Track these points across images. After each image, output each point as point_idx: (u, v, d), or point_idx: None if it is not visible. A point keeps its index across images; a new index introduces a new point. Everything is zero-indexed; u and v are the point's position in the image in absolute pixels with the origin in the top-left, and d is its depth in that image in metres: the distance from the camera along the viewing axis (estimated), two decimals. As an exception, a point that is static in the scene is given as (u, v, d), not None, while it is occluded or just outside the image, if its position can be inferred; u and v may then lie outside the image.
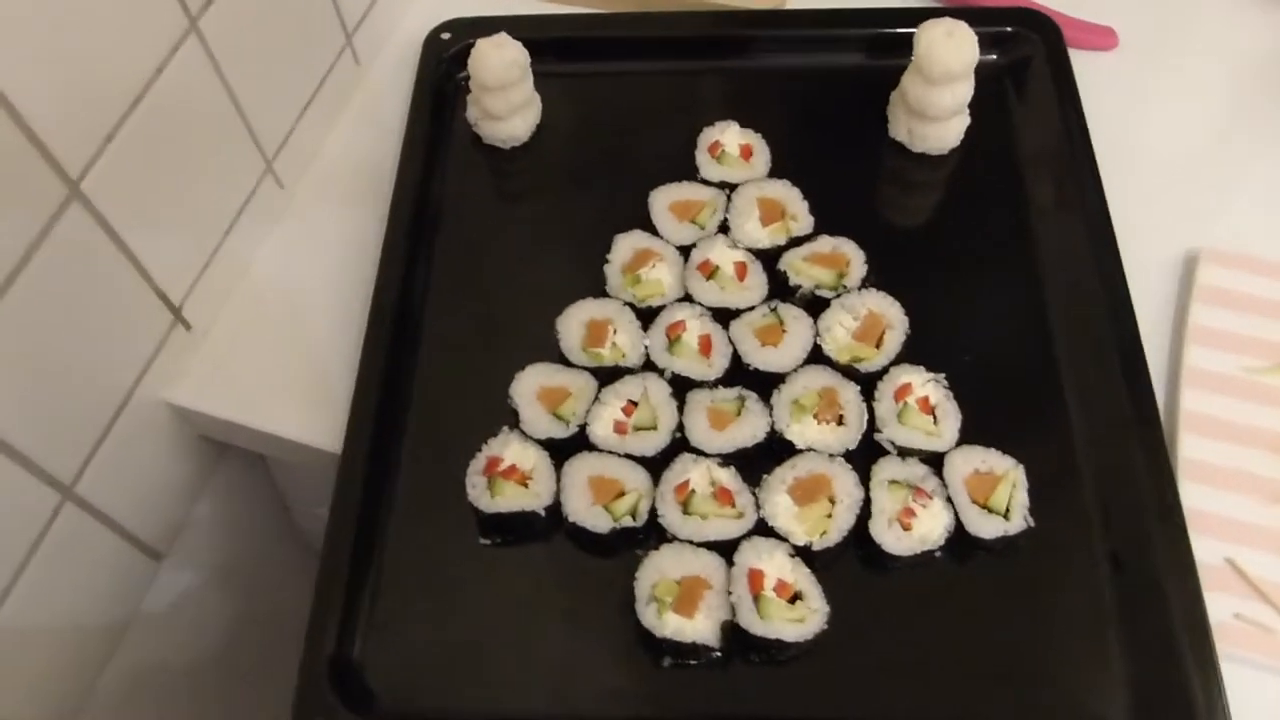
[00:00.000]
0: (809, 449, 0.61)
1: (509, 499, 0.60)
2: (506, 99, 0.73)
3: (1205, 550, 0.57)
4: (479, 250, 0.72)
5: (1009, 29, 0.77)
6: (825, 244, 0.69)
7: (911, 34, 0.70)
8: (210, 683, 0.77)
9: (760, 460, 0.61)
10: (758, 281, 0.68)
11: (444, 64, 0.79)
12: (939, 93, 0.69)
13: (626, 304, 0.67)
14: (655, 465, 0.61)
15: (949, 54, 0.67)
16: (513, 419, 0.63)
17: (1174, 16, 0.83)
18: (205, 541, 0.75)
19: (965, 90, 0.70)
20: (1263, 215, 0.72)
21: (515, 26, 0.75)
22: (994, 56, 0.77)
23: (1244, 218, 0.72)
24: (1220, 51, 0.81)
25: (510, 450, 0.61)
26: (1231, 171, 0.75)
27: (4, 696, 0.59)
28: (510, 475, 0.61)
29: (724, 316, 0.66)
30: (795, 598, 0.57)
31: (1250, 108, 0.78)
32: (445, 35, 0.80)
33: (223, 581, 0.78)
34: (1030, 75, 0.77)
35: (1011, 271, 0.69)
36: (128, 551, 0.68)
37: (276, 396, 0.68)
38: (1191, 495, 0.59)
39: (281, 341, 0.71)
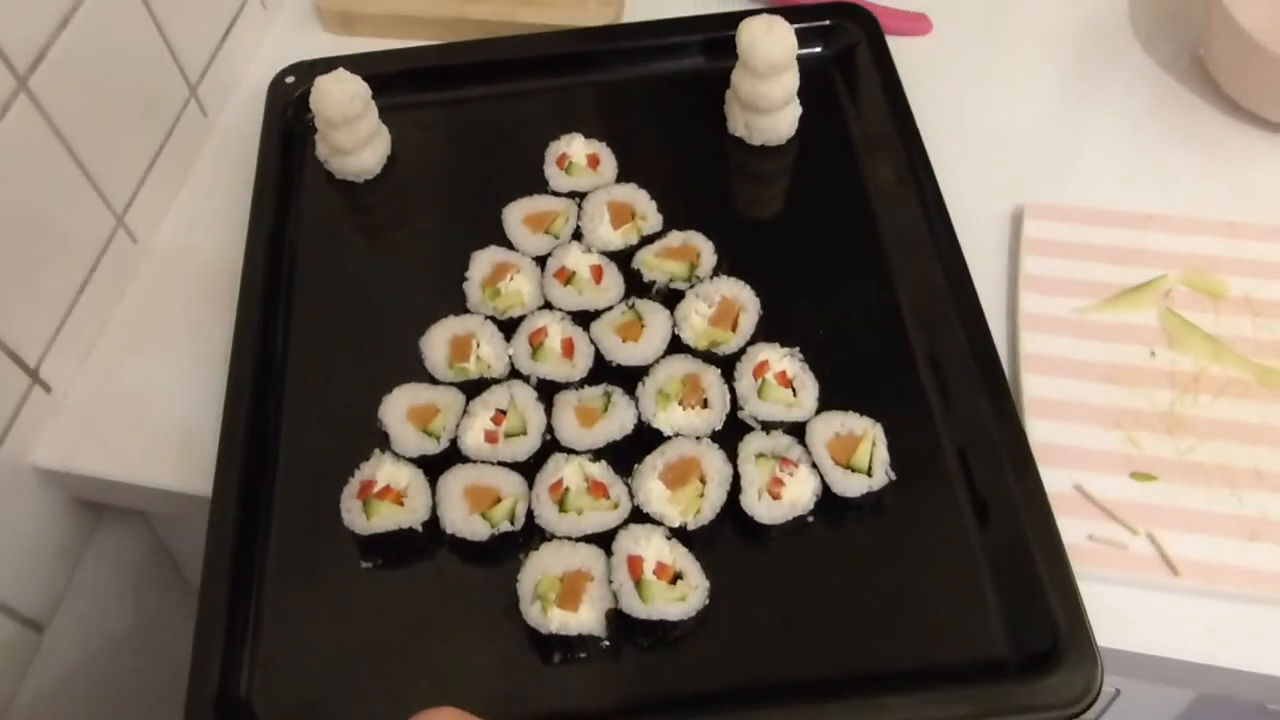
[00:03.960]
0: (677, 434, 0.63)
1: (384, 518, 0.60)
2: (352, 132, 0.74)
3: (1055, 480, 0.60)
4: (339, 283, 0.73)
5: (829, 22, 0.81)
6: (675, 239, 0.71)
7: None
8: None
9: (631, 451, 0.62)
10: (614, 282, 0.69)
11: (290, 107, 0.80)
12: (767, 85, 0.73)
13: (488, 317, 0.68)
14: (529, 469, 0.62)
15: (769, 46, 0.71)
16: (384, 442, 0.64)
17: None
18: (91, 609, 0.73)
19: (791, 80, 0.73)
20: (1081, 168, 0.77)
21: (356, 64, 0.76)
22: (819, 49, 0.81)
23: (1065, 172, 0.77)
24: (1026, 26, 0.87)
25: (383, 471, 0.62)
26: (1049, 132, 0.80)
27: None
28: (385, 496, 0.61)
29: (584, 319, 0.68)
30: (676, 578, 0.58)
31: (1058, 73, 0.84)
32: (289, 79, 0.81)
33: (114, 648, 0.76)
34: (854, 64, 0.81)
35: (854, 247, 0.72)
36: (4, 623, 0.66)
37: (146, 449, 0.67)
38: (1038, 430, 0.62)
39: (146, 395, 0.70)
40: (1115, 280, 0.69)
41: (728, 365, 0.65)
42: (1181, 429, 0.62)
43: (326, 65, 0.77)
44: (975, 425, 0.62)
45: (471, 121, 0.81)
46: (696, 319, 0.67)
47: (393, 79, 0.79)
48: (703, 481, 0.61)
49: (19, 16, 0.61)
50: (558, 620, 0.56)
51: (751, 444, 0.62)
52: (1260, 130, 0.78)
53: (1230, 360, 0.65)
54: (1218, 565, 0.58)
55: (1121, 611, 0.57)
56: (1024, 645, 0.55)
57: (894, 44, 0.80)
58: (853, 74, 0.80)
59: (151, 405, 0.70)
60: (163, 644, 0.80)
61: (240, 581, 0.59)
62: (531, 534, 0.60)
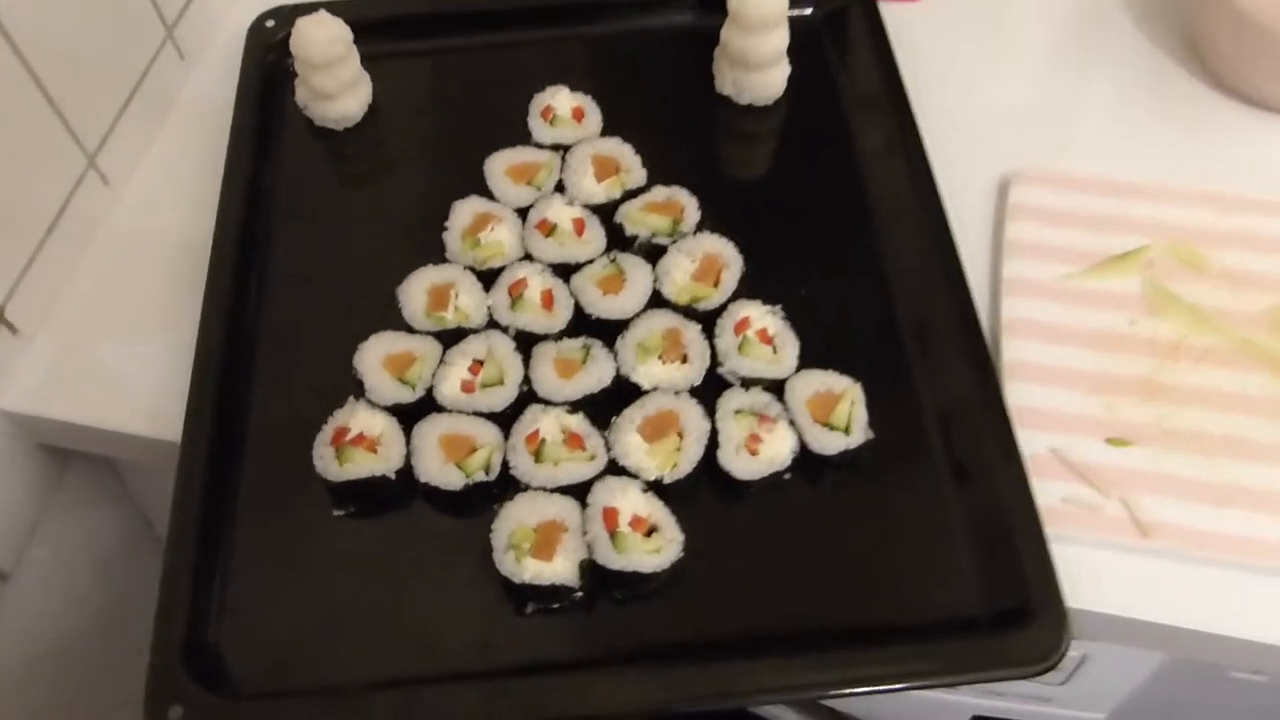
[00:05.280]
0: (656, 388, 0.62)
1: (357, 465, 0.59)
2: (334, 76, 0.73)
3: (1032, 442, 0.60)
4: (317, 231, 0.72)
5: (821, -17, 0.81)
6: (660, 194, 0.70)
7: (727, -7, 0.73)
8: (66, 702, 0.73)
9: (609, 404, 0.62)
10: (596, 235, 0.69)
11: (270, 51, 0.78)
12: (757, 40, 0.72)
13: (468, 268, 0.67)
14: (505, 420, 0.61)
15: (761, 0, 0.70)
16: (359, 389, 0.63)
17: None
18: (57, 558, 0.72)
19: (781, 37, 0.73)
20: (1068, 138, 0.77)
21: (339, 9, 0.75)
22: (809, 11, 0.80)
23: (1052, 142, 0.77)
24: (1021, -2, 0.87)
25: (357, 419, 0.61)
26: (1037, 102, 0.80)
27: None
28: (358, 443, 0.60)
29: (565, 271, 0.67)
30: (651, 531, 0.57)
31: (1049, 44, 0.84)
32: (270, 23, 0.79)
33: (80, 598, 0.75)
34: (845, 28, 0.80)
35: (840, 209, 0.71)
36: (-36, 569, 0.65)
37: (115, 394, 0.66)
38: (1017, 393, 0.62)
39: (117, 340, 0.69)
40: (1099, 248, 0.69)
41: (709, 321, 0.65)
42: (1159, 396, 0.63)
43: (308, 9, 0.75)
44: (955, 387, 0.62)
45: (456, 71, 0.80)
46: (679, 274, 0.66)
47: (376, 26, 0.78)
48: (680, 436, 0.60)
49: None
50: (532, 570, 0.56)
51: (731, 400, 0.61)
52: (1246, 107, 0.78)
53: (1209, 330, 0.65)
54: (1189, 529, 0.58)
55: (1093, 573, 0.57)
56: (996, 603, 0.55)
57: (884, 9, 0.80)
58: (843, 37, 0.79)
59: (122, 350, 0.68)
60: (129, 595, 0.79)
61: (209, 527, 0.59)
62: (506, 484, 0.60)
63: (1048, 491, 0.58)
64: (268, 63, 0.78)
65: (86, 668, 0.75)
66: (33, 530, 0.70)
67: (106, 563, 0.78)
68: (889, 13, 0.80)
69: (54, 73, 0.66)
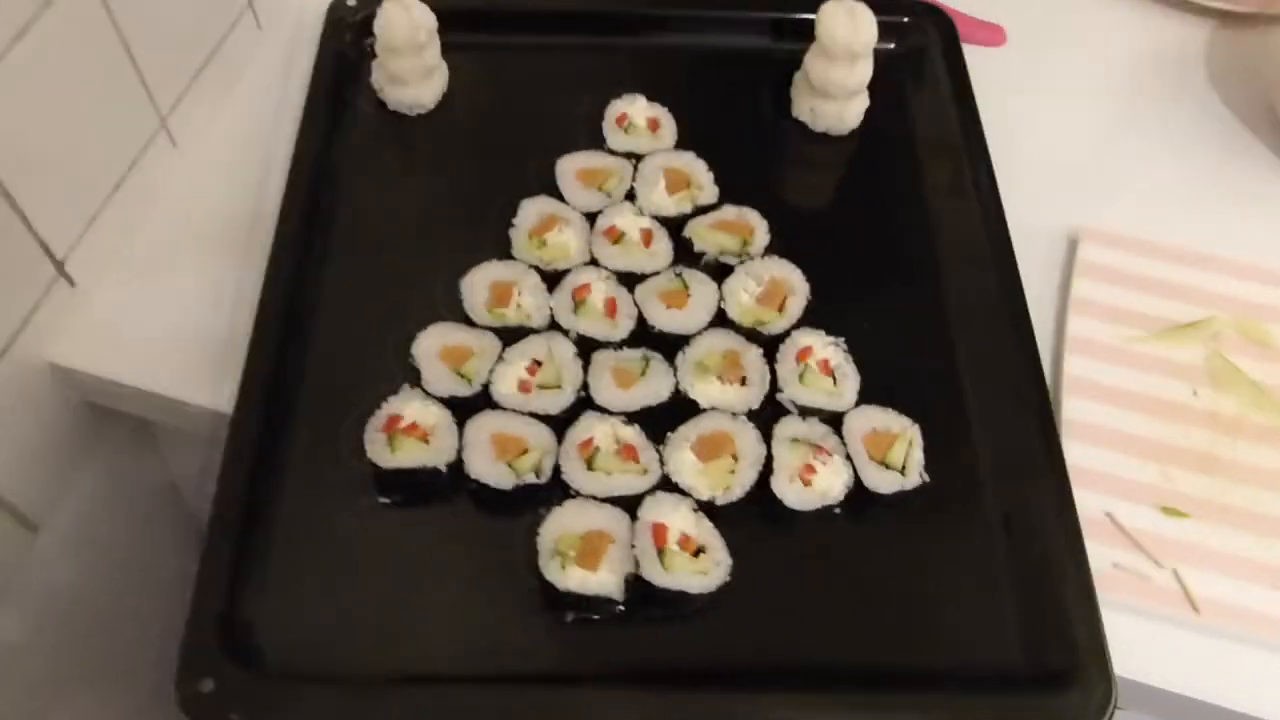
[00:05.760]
0: (712, 408, 0.62)
1: (409, 455, 0.59)
2: (413, 63, 0.72)
3: (1087, 504, 0.59)
4: (381, 213, 0.71)
5: (906, 19, 0.80)
6: (730, 212, 0.70)
7: (814, 20, 0.72)
8: (82, 661, 0.73)
9: (664, 419, 0.61)
10: (663, 247, 0.68)
11: (349, 30, 0.78)
12: (841, 71, 0.72)
13: (532, 267, 0.67)
14: (559, 424, 0.61)
15: (851, 32, 0.70)
16: (414, 377, 0.62)
17: (1058, 18, 0.88)
18: (87, 517, 0.72)
19: (865, 70, 0.72)
20: (1138, 199, 0.77)
21: (424, -4, 0.75)
22: (892, 45, 0.80)
23: (1121, 202, 0.76)
24: (1100, 51, 0.86)
25: (411, 407, 0.60)
26: (1109, 159, 0.79)
27: None
28: (411, 432, 0.60)
29: (629, 281, 0.67)
30: (699, 551, 0.57)
31: (1126, 102, 0.83)
32: (351, 1, 0.79)
33: (106, 561, 0.74)
34: (926, 65, 0.80)
35: (908, 247, 0.71)
36: (1, 517, 0.64)
37: (168, 358, 0.66)
38: (1074, 453, 0.61)
39: (173, 304, 0.68)
40: (1165, 315, 0.68)
41: (770, 346, 0.64)
42: (1217, 470, 0.62)
43: (393, -9, 0.75)
44: (1013, 440, 0.62)
45: (533, 69, 0.79)
46: (744, 295, 0.66)
47: (459, 16, 0.77)
48: (735, 458, 0.60)
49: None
50: (576, 578, 0.55)
51: (787, 428, 0.61)
52: (1321, 185, 0.78)
53: (1271, 409, 0.65)
54: (1239, 609, 0.57)
55: (1135, 641, 0.57)
56: (1039, 662, 0.55)
57: (967, 50, 0.80)
58: (923, 75, 0.79)
59: (177, 315, 0.68)
60: (153, 562, 0.78)
61: (254, 502, 0.58)
62: (555, 489, 0.59)
63: (1099, 555, 0.58)
64: (346, 41, 0.78)
65: (107, 628, 0.74)
66: (66, 486, 0.69)
67: (132, 527, 0.77)
68: (971, 55, 0.79)
69: (138, 31, 0.66)
